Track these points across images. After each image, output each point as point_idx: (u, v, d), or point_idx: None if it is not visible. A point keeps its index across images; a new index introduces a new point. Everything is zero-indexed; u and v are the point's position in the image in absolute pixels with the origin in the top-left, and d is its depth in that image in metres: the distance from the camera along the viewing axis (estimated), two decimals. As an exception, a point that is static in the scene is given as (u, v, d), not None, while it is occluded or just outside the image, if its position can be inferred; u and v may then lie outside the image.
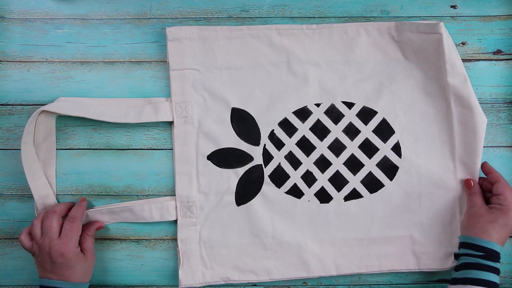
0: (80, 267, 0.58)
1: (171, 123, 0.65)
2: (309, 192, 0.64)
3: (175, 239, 0.64)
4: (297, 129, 0.64)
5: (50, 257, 0.56)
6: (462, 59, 0.63)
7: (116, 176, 0.65)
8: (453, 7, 0.66)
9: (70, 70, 0.65)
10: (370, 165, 0.63)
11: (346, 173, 0.64)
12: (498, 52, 0.66)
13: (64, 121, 0.65)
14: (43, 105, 0.63)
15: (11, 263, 0.65)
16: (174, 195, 0.64)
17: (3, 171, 0.65)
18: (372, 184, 0.63)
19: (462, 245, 0.59)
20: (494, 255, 0.56)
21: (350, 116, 0.64)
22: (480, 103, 0.62)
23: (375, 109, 0.64)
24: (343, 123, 0.64)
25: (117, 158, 0.65)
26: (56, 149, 0.65)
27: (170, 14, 0.66)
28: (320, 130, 0.64)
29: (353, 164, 0.64)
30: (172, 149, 0.65)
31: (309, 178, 0.64)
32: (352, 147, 0.64)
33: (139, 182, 0.65)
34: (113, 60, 0.66)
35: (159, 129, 0.65)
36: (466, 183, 0.62)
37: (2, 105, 0.66)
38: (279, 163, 0.64)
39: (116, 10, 0.66)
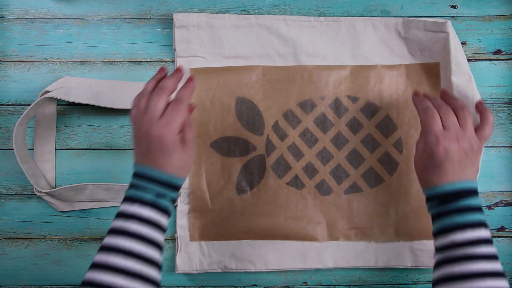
0: (177, 157, 0.49)
1: None
2: (310, 184, 0.64)
3: (173, 227, 0.64)
4: (301, 121, 0.64)
5: (147, 138, 0.48)
6: (462, 59, 0.63)
7: (116, 176, 0.65)
8: (453, 7, 0.66)
9: (70, 70, 0.65)
10: (371, 160, 0.64)
11: (347, 166, 0.64)
12: (498, 52, 0.66)
13: (64, 121, 0.65)
14: (43, 105, 0.63)
15: (11, 263, 0.65)
16: None
17: (3, 171, 0.65)
18: (373, 179, 0.63)
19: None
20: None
21: (354, 111, 0.64)
22: (480, 103, 0.62)
23: (379, 105, 0.64)
24: (347, 117, 0.64)
25: (117, 158, 0.65)
26: (56, 149, 0.65)
27: (170, 14, 0.66)
28: (323, 123, 0.64)
29: (355, 158, 0.64)
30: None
31: (310, 170, 0.64)
32: (354, 142, 0.64)
33: (139, 182, 0.64)
34: (113, 60, 0.66)
35: (159, 129, 0.65)
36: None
37: (2, 105, 0.66)
38: (282, 154, 0.64)
39: (116, 10, 0.66)
